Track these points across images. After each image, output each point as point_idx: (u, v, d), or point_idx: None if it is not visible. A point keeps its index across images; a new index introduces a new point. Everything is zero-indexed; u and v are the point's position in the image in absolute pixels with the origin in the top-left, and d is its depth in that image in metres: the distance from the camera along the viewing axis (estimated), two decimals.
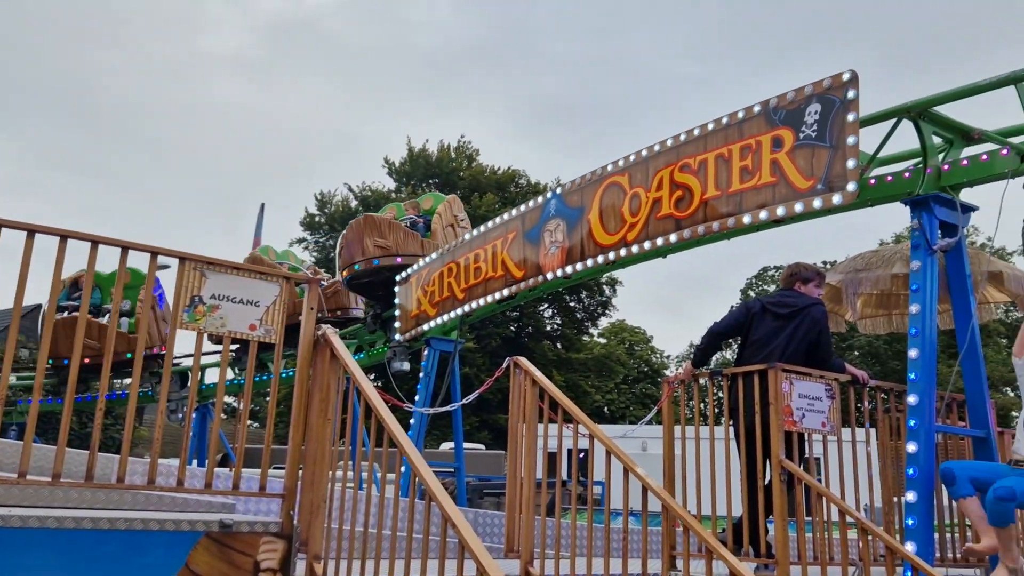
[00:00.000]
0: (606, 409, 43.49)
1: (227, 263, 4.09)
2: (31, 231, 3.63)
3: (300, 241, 43.39)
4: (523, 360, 5.13)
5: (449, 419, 13.65)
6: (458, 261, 10.67)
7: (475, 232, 10.46)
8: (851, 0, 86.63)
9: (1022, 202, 6.54)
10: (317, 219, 43.49)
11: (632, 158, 8.29)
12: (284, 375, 13.45)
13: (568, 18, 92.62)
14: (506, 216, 9.95)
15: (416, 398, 11.58)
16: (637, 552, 8.32)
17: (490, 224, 10.22)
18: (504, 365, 5.34)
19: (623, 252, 8.27)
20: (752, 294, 46.92)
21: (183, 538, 3.64)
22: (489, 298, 10.07)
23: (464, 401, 7.93)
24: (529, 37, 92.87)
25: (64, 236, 3.71)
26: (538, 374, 5.00)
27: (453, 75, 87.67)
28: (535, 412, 5.10)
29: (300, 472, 4.14)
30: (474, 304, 10.33)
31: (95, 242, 3.79)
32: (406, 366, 11.90)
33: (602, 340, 47.72)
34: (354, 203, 42.15)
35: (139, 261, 4.68)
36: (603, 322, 46.98)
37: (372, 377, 33.14)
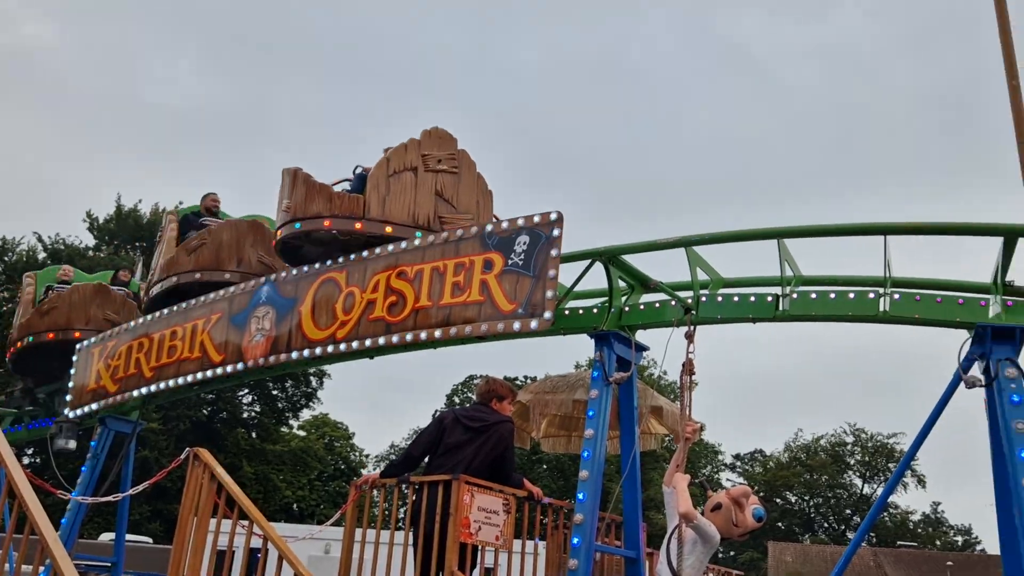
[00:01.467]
0: (296, 506, 41.74)
1: None
2: None
3: None
4: (204, 452, 4.88)
5: (116, 507, 12.36)
6: (151, 336, 9.93)
7: (175, 308, 9.85)
8: (583, 152, 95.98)
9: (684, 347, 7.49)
10: None
11: (352, 257, 8.39)
12: None
13: (310, 103, 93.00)
14: (213, 296, 9.51)
15: (79, 481, 10.39)
16: None
17: (194, 301, 9.70)
18: (183, 456, 5.03)
19: (331, 349, 8.23)
20: (457, 400, 48.30)
21: None
22: (180, 380, 9.45)
23: (132, 491, 7.28)
24: (268, 115, 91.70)
25: None
26: (218, 468, 4.77)
27: (182, 139, 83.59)
28: (209, 508, 4.83)
29: None
30: (163, 385, 9.62)
31: None
32: (72, 444, 10.66)
33: (301, 433, 46.20)
34: (42, 255, 37.92)
35: None
36: (305, 414, 45.62)
37: (30, 452, 29.17)
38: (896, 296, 6.56)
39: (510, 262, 7.26)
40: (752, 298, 7.08)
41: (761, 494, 53.65)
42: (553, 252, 7.08)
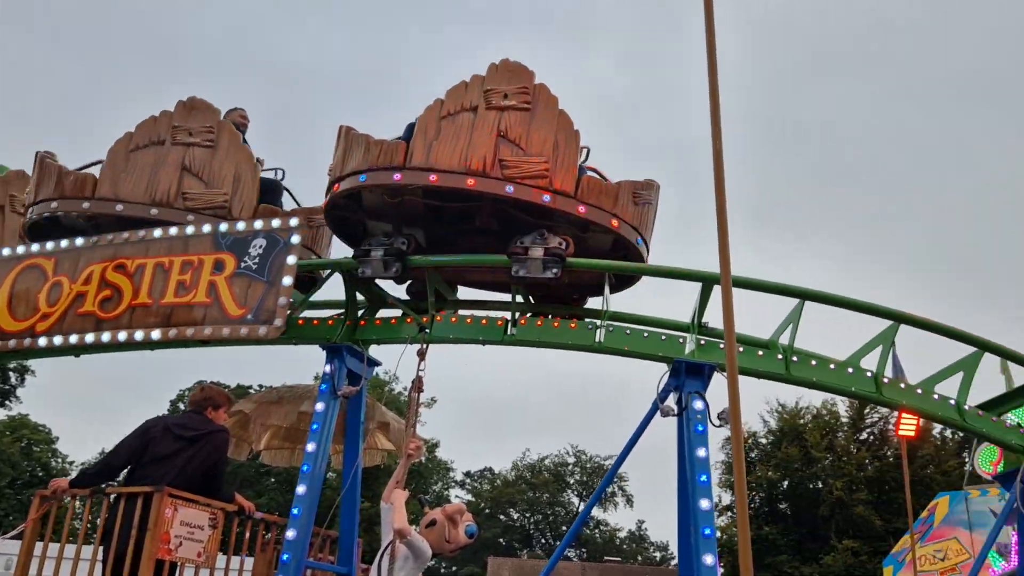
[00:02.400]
0: None
1: None
2: None
3: None
4: None
5: None
6: None
7: None
8: None
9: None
10: None
11: (64, 243, 7.61)
12: None
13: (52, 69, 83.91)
14: None
15: None
16: None
17: None
18: None
19: (27, 342, 7.39)
20: (182, 406, 45.22)
21: None
22: None
23: None
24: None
25: None
26: None
27: None
28: None
29: None
30: None
31: None
32: None
33: None
34: None
35: None
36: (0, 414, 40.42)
37: None
38: (610, 329, 7.11)
39: (243, 265, 6.97)
40: (484, 321, 7.33)
41: (487, 511, 55.44)
42: (290, 259, 6.89)
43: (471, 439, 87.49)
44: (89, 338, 7.20)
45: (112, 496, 5.51)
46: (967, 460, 26.98)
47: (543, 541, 55.86)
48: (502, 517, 57.62)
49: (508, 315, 7.24)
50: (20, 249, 7.72)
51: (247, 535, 6.29)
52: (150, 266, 7.23)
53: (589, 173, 7.19)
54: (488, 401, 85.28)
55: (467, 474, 60.17)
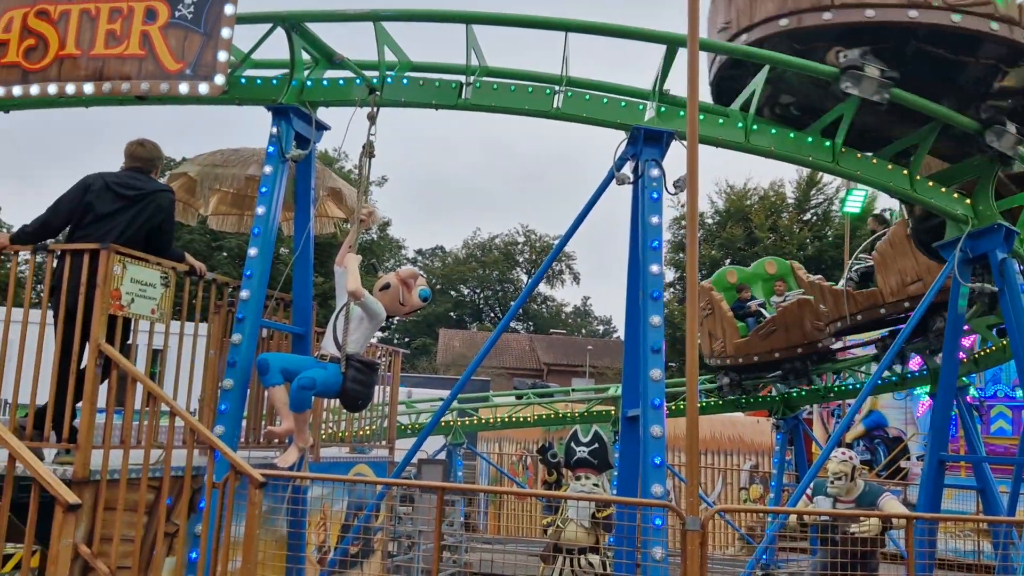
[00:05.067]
0: None
1: None
2: None
3: None
4: None
5: None
6: None
7: None
8: None
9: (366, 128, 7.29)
10: None
11: None
12: None
13: None
14: None
15: None
16: None
17: None
18: None
19: None
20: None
21: None
22: None
23: None
24: None
25: None
26: None
27: None
28: None
29: None
30: None
31: None
32: None
33: None
34: None
35: None
36: None
37: None
38: (569, 94, 6.87)
39: (177, 14, 6.43)
40: (436, 84, 7.02)
41: (439, 287, 56.90)
42: (228, 9, 6.35)
43: (422, 219, 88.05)
44: (17, 91, 6.70)
45: (57, 253, 5.37)
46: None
47: (492, 315, 58.06)
48: (453, 293, 59.33)
49: (463, 78, 6.93)
50: None
51: (200, 297, 6.26)
52: (75, 12, 6.61)
53: None
54: (444, 181, 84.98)
55: (418, 252, 61.19)
